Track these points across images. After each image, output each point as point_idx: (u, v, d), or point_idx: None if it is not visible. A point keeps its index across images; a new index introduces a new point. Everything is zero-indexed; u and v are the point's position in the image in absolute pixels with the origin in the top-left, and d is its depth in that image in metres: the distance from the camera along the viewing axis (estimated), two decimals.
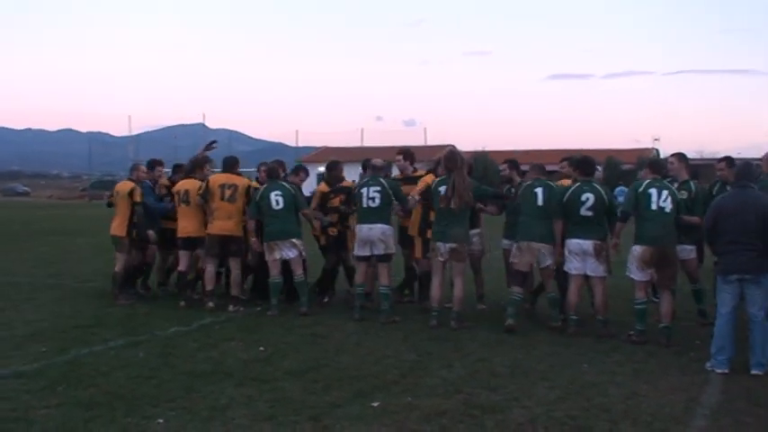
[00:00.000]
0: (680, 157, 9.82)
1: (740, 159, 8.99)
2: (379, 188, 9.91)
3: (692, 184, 9.46)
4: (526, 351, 8.32)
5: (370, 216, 9.88)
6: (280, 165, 11.05)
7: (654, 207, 8.64)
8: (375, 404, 6.43)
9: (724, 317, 7.61)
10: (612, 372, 7.51)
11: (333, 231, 10.92)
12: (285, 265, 10.41)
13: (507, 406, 6.41)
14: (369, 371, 7.48)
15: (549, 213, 9.28)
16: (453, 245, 9.39)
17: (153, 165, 11.98)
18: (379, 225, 9.86)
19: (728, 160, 9.95)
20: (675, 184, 9.22)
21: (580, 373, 7.47)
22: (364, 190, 9.96)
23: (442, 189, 9.43)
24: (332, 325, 9.62)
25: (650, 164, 9.23)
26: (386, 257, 9.93)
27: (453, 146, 10.64)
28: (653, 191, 8.69)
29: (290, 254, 10.26)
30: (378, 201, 9.87)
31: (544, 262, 9.34)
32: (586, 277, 9.18)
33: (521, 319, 9.47)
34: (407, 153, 10.99)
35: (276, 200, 10.25)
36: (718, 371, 7.46)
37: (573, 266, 9.11)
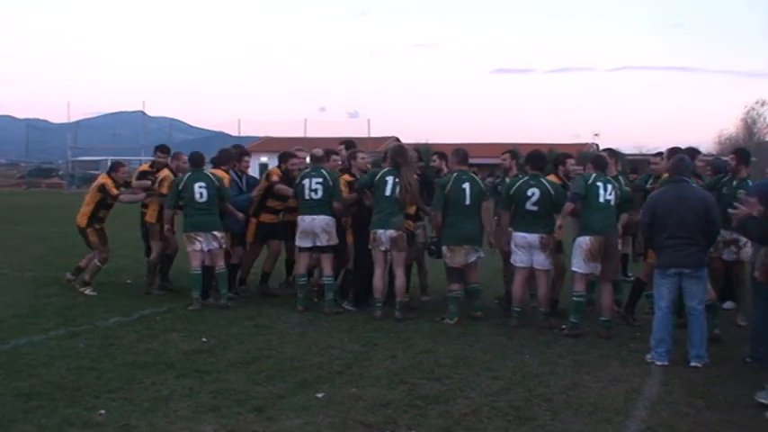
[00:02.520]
0: (610, 152, 10.08)
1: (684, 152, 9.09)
2: (321, 179, 9.86)
3: (620, 178, 9.72)
4: (470, 342, 8.38)
5: (313, 207, 9.84)
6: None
7: (601, 200, 8.79)
8: (319, 395, 6.41)
9: (663, 310, 7.73)
10: (554, 363, 7.61)
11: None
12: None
13: (451, 396, 6.45)
14: (313, 361, 7.46)
15: (477, 210, 9.43)
16: (394, 233, 9.40)
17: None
18: (322, 216, 9.82)
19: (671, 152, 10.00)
20: None
21: (522, 364, 7.55)
22: (306, 181, 9.90)
23: (390, 179, 9.45)
24: (275, 316, 9.57)
25: (594, 160, 9.35)
26: (329, 248, 9.90)
27: (398, 139, 10.64)
28: (600, 184, 8.85)
29: (211, 245, 10.13)
30: (320, 192, 9.82)
31: (471, 258, 9.45)
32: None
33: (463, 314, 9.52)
34: (350, 144, 10.98)
35: (200, 192, 10.08)
36: (658, 363, 7.59)
37: (519, 259, 9.20)
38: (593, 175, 8.96)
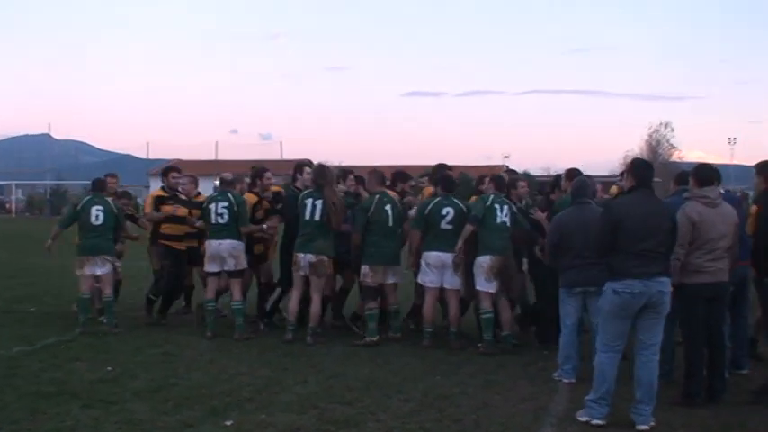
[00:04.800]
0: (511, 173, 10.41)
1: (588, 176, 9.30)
2: (226, 204, 9.76)
3: (523, 200, 9.94)
4: (381, 364, 8.37)
5: (219, 232, 9.73)
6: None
7: (498, 221, 8.96)
8: (228, 422, 6.30)
9: (569, 328, 7.90)
10: (464, 383, 7.66)
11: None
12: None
13: (362, 419, 6.42)
14: (222, 388, 7.33)
15: (398, 231, 9.52)
16: (313, 257, 9.33)
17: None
18: (229, 241, 9.71)
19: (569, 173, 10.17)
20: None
21: (433, 385, 7.58)
22: (212, 205, 9.79)
23: (309, 202, 9.39)
24: (183, 343, 9.38)
25: (493, 179, 9.53)
26: (237, 273, 9.79)
27: (310, 161, 10.54)
28: (497, 206, 9.01)
29: (101, 270, 9.97)
30: (226, 217, 9.72)
31: (391, 279, 9.51)
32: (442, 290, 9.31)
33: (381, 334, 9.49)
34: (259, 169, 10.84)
35: (96, 215, 9.97)
36: (565, 380, 7.73)
37: (429, 279, 9.26)
38: (492, 196, 9.13)
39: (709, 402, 6.89)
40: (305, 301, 9.61)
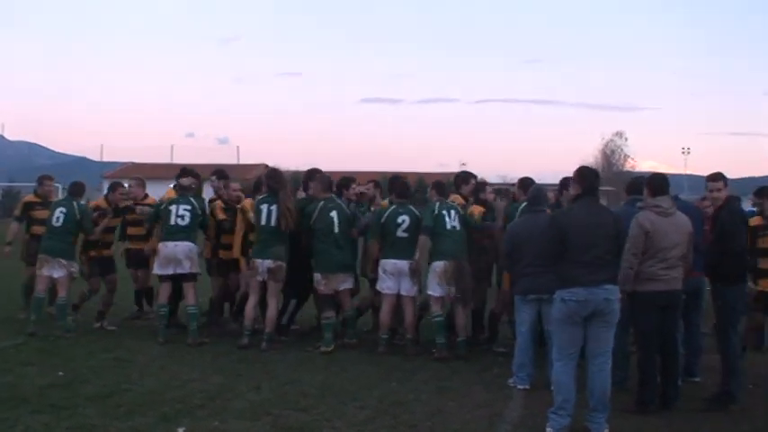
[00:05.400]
0: (464, 176, 10.29)
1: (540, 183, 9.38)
2: (189, 207, 9.71)
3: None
4: (336, 371, 8.34)
5: (177, 233, 9.64)
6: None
7: (448, 226, 9.01)
8: (180, 429, 6.23)
9: (524, 335, 7.95)
10: (419, 390, 7.66)
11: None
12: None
13: (316, 426, 6.39)
14: (174, 395, 7.25)
15: (346, 237, 9.50)
16: (271, 263, 9.29)
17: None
18: (185, 243, 9.66)
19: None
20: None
21: (389, 392, 7.57)
22: (173, 207, 9.71)
23: (264, 207, 9.34)
24: (136, 348, 9.26)
25: (435, 185, 9.61)
26: (191, 276, 9.73)
27: (267, 166, 10.54)
28: (444, 212, 9.08)
29: (57, 273, 9.92)
30: (187, 219, 9.65)
31: (342, 286, 9.48)
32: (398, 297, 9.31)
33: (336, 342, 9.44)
34: (221, 174, 10.80)
35: (58, 216, 9.98)
36: (520, 386, 7.78)
37: (386, 286, 9.26)
38: (437, 203, 9.19)
39: (662, 410, 6.97)
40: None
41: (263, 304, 9.54)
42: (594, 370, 6.41)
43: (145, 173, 12.94)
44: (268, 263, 9.31)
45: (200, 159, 58.16)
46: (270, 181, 9.52)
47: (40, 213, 10.75)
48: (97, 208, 10.80)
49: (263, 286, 9.43)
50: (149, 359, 8.77)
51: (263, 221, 9.36)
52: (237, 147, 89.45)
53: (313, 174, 10.01)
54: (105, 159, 79.98)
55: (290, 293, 9.86)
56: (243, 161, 65.94)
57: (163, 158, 69.57)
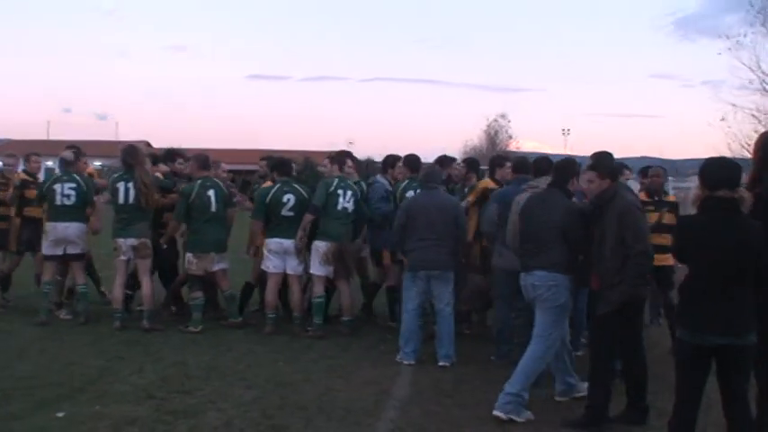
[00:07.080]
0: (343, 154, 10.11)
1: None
2: (74, 185, 9.35)
3: (361, 184, 9.76)
4: (222, 352, 8.20)
5: (66, 214, 9.29)
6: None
7: (339, 207, 8.95)
8: (60, 414, 6.00)
9: (410, 312, 7.97)
10: (308, 369, 7.60)
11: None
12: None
13: (202, 409, 6.25)
14: (53, 379, 6.96)
15: (222, 217, 9.33)
16: (135, 241, 9.11)
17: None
18: (76, 224, 9.34)
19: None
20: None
21: (276, 371, 7.49)
22: (57, 186, 9.32)
23: (121, 186, 9.11)
24: (11, 330, 8.88)
25: (335, 160, 9.49)
26: (80, 257, 9.46)
27: (148, 143, 10.26)
28: (340, 191, 8.99)
29: None
30: (73, 198, 9.31)
31: (215, 267, 9.30)
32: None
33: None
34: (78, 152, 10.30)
35: None
36: (407, 362, 7.81)
37: (272, 265, 9.16)
38: (336, 180, 9.11)
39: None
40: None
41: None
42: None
43: (21, 150, 12.29)
44: (131, 241, 9.12)
45: (79, 136, 56.43)
46: (126, 157, 9.25)
47: None
48: None
49: (129, 265, 9.31)
50: (26, 341, 8.40)
51: (122, 200, 9.12)
52: (116, 123, 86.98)
53: (176, 152, 10.17)
54: None
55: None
56: (122, 137, 64.18)
57: (39, 135, 67.07)
